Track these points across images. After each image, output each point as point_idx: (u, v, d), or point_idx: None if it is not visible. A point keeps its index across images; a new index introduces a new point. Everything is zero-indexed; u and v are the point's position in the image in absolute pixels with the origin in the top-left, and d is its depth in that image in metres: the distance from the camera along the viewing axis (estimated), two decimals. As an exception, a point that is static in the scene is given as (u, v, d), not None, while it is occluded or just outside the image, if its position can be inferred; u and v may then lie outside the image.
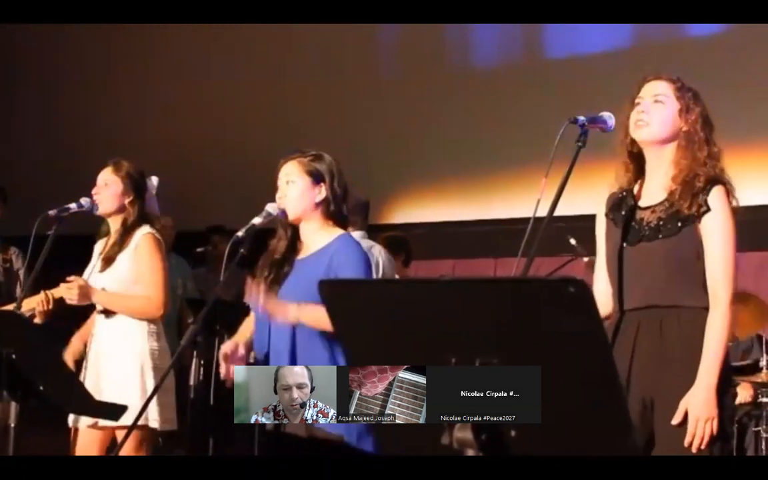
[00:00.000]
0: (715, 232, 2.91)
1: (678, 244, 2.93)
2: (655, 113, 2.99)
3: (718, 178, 2.97)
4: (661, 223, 2.96)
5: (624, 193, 3.09)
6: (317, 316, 3.24)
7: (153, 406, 3.84)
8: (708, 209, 2.91)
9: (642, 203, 3.04)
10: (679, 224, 2.93)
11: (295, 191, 3.41)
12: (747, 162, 6.45)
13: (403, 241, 6.37)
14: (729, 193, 2.96)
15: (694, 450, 2.80)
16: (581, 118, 2.94)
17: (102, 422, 3.90)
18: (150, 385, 3.94)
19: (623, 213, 3.05)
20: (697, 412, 2.82)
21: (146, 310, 4.04)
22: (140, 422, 3.68)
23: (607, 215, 3.11)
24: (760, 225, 6.30)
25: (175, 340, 5.53)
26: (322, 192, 3.43)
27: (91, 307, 4.18)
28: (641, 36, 7.43)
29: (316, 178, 3.43)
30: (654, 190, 3.03)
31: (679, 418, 2.83)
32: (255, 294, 3.31)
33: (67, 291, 3.99)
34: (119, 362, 4.00)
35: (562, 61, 7.86)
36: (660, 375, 2.88)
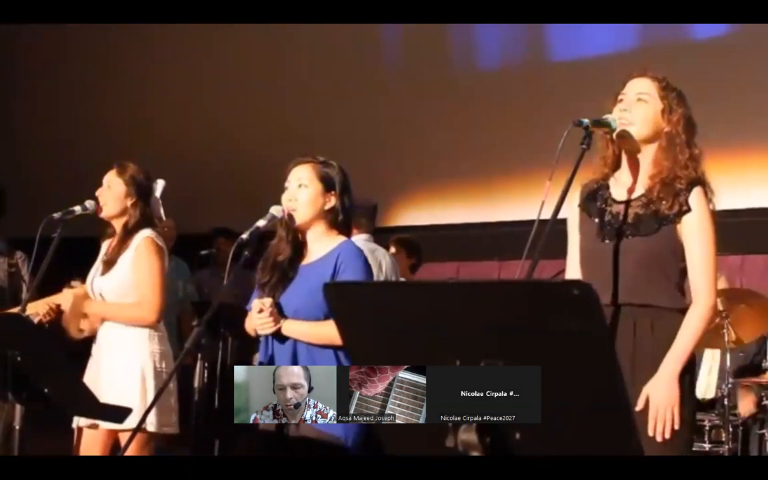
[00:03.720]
0: (697, 232, 2.92)
1: (656, 243, 2.93)
2: (638, 112, 3.00)
3: (699, 180, 2.97)
4: (638, 220, 2.97)
5: (598, 185, 3.09)
6: (302, 331, 3.30)
7: (153, 409, 3.84)
8: (689, 209, 2.92)
9: (617, 197, 3.04)
10: (658, 223, 2.94)
11: (306, 195, 3.41)
12: (748, 164, 6.45)
13: (417, 246, 6.38)
14: (707, 195, 2.97)
15: (658, 438, 2.81)
16: (585, 120, 2.93)
17: (101, 424, 3.90)
18: (151, 388, 3.95)
19: (598, 205, 3.05)
20: (657, 398, 2.83)
21: (140, 316, 4.03)
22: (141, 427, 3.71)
23: (580, 206, 3.11)
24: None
25: (174, 342, 5.54)
26: (331, 200, 3.44)
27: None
28: (645, 38, 7.43)
29: (328, 185, 3.44)
30: (630, 185, 3.03)
31: (641, 405, 2.83)
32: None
33: (64, 302, 4.01)
34: (120, 365, 3.99)
35: (566, 63, 7.87)
36: (632, 376, 2.86)
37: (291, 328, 3.34)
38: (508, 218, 7.42)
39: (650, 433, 2.81)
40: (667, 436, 2.81)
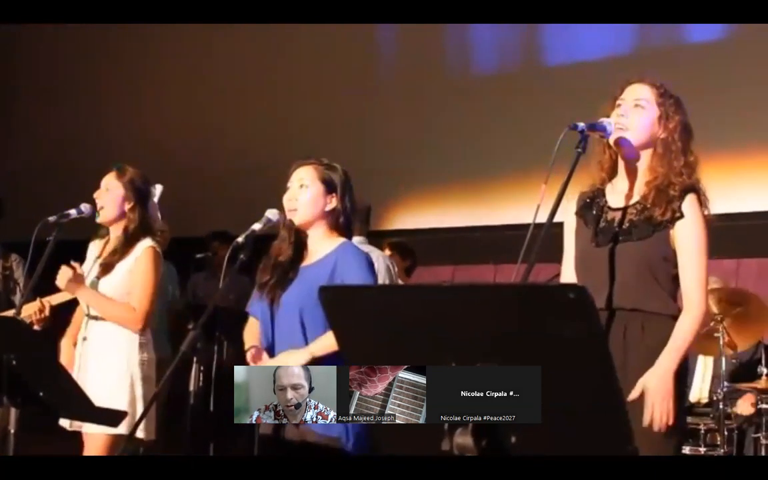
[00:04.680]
0: (689, 238, 2.93)
1: (649, 248, 2.94)
2: (635, 118, 3.01)
3: (693, 187, 2.98)
4: (632, 225, 2.98)
5: (595, 193, 3.11)
6: (328, 344, 3.24)
7: (133, 416, 3.85)
8: (682, 216, 2.94)
9: (613, 204, 3.06)
10: (652, 229, 2.95)
11: (307, 196, 3.43)
12: (744, 167, 6.46)
13: (410, 249, 6.44)
14: (701, 202, 2.98)
15: (655, 427, 2.80)
16: (581, 124, 2.94)
17: (87, 429, 3.90)
18: (138, 395, 3.95)
19: (594, 212, 3.07)
20: (654, 388, 2.82)
21: (127, 320, 4.00)
22: (119, 432, 3.74)
23: (577, 213, 3.12)
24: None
25: (166, 343, 5.52)
26: (332, 202, 3.45)
27: (75, 305, 4.18)
28: (641, 42, 7.44)
29: (329, 187, 3.45)
30: (626, 192, 3.05)
31: (636, 394, 2.83)
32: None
33: (61, 276, 3.97)
34: (109, 370, 3.98)
35: (561, 67, 7.88)
36: (624, 379, 2.86)
37: (315, 348, 3.27)
38: (504, 222, 7.43)
39: (645, 422, 2.80)
40: (663, 428, 2.81)
